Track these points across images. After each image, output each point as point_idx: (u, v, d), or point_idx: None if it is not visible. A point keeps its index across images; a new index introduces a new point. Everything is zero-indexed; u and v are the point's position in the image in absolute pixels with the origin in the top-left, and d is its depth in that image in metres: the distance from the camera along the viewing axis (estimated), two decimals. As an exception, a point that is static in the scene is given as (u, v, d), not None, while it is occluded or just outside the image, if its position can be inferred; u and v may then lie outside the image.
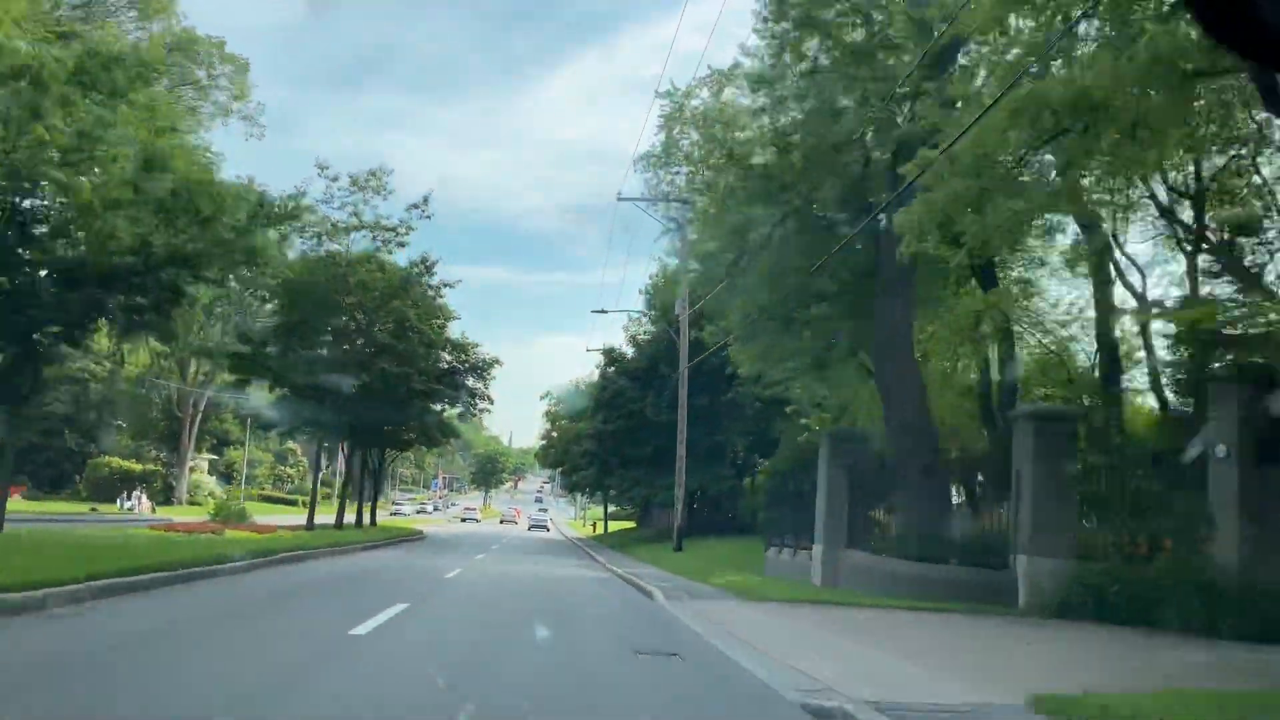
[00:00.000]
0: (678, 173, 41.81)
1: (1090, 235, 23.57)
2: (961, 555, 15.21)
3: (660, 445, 38.01)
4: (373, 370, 33.55)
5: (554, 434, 56.64)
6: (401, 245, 34.23)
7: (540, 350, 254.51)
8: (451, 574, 18.07)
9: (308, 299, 34.41)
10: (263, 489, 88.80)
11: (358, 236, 34.79)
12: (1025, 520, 14.29)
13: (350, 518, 42.37)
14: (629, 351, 42.25)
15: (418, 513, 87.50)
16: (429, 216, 34.02)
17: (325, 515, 42.63)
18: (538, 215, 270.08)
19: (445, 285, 34.69)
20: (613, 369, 41.21)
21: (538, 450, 60.89)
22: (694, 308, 31.84)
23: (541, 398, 57.64)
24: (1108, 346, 24.05)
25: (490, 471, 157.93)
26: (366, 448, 44.71)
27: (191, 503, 69.13)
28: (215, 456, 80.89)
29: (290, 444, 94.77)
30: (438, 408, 41.00)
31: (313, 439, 42.19)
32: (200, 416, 65.17)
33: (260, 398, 52.79)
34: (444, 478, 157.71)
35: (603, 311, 33.54)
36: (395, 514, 74.53)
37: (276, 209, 17.19)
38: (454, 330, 40.54)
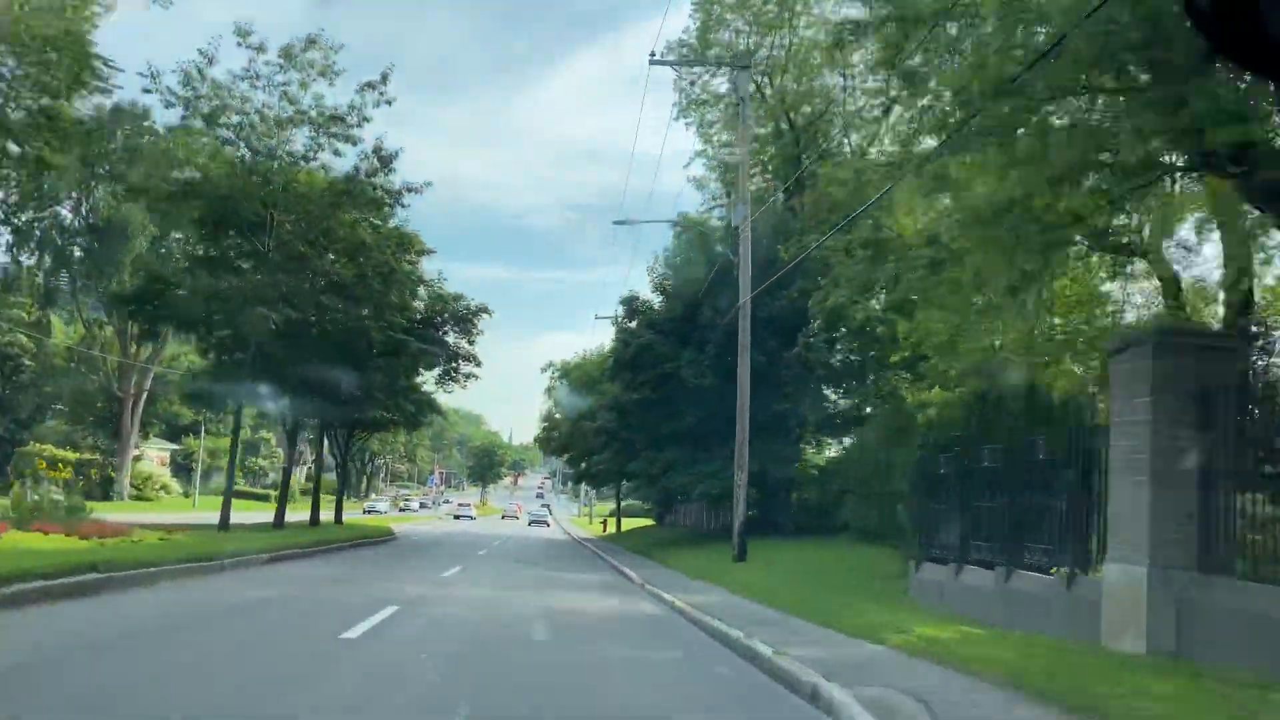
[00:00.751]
0: (717, 66, 32.53)
1: None
2: None
3: (703, 417, 28.74)
4: (304, 308, 24.30)
5: (557, 415, 47.40)
6: (351, 141, 24.88)
7: (541, 349, 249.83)
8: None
9: (223, 217, 25.20)
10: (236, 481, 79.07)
11: (295, 135, 25.46)
12: None
13: (298, 517, 33.26)
14: (655, 301, 32.88)
15: (401, 510, 77.76)
16: (389, 102, 24.69)
17: (298, 513, 33.75)
18: (538, 214, 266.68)
19: (410, 190, 25.15)
20: (635, 321, 31.77)
21: (539, 434, 51.64)
22: (761, 199, 22.62)
23: (543, 370, 48.20)
24: None
25: (488, 466, 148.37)
26: (327, 428, 35.57)
27: (139, 498, 59.93)
28: (174, 445, 71.42)
29: (264, 432, 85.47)
30: (411, 371, 31.71)
31: (257, 416, 32.91)
32: (145, 396, 55.72)
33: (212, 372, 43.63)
34: (440, 473, 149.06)
35: (624, 223, 24.01)
36: (370, 511, 64.88)
37: None
38: (428, 269, 31.28)
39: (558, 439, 46.43)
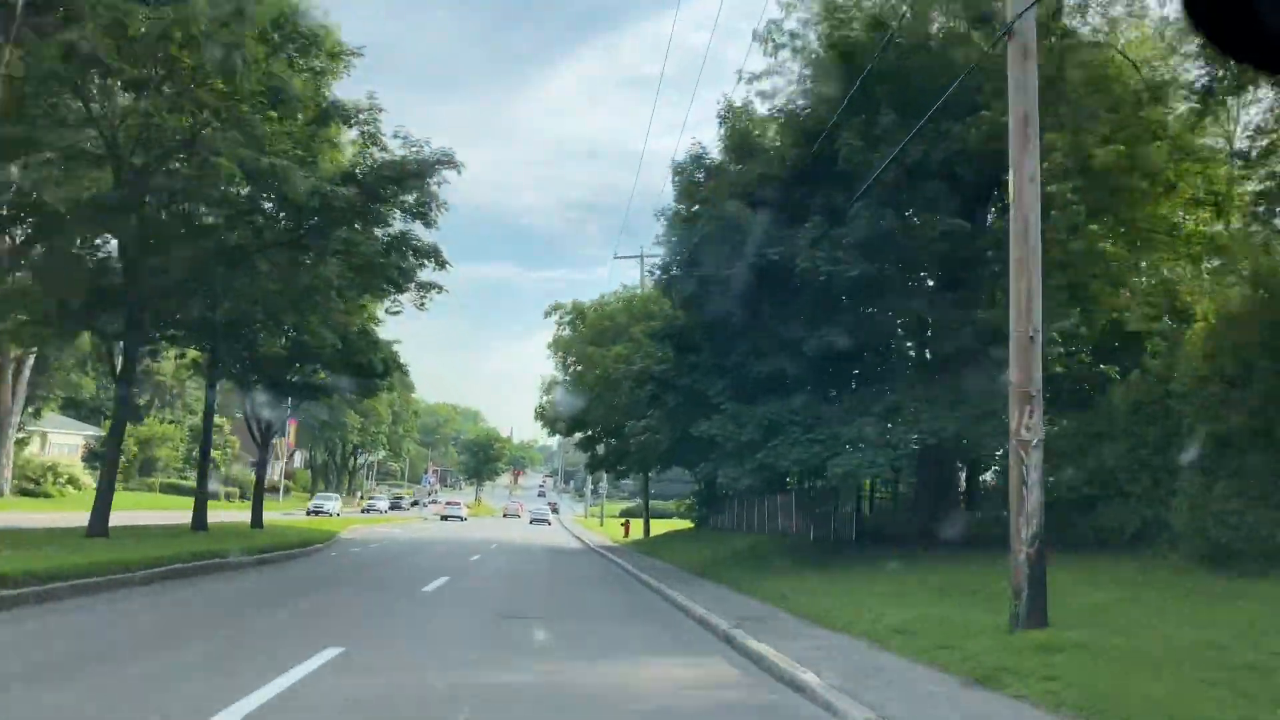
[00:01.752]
0: None
1: None
2: None
3: (834, 338, 16.05)
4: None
5: (568, 365, 34.87)
6: None
7: (542, 347, 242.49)
8: None
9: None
10: (179, 475, 65.50)
11: None
12: None
13: (154, 515, 20.76)
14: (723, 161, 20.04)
15: (364, 511, 64.30)
16: None
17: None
18: (539, 213, 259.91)
19: None
20: (703, 198, 19.00)
21: (540, 407, 39.11)
22: None
23: (547, 315, 35.38)
24: None
25: (484, 461, 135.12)
26: (238, 383, 23.14)
27: (30, 493, 47.26)
28: (92, 430, 58.49)
29: (217, 417, 72.41)
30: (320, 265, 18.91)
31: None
32: (31, 362, 43.00)
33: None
34: (436, 471, 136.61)
35: None
36: (316, 512, 51.74)
37: None
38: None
39: (566, 412, 33.90)
